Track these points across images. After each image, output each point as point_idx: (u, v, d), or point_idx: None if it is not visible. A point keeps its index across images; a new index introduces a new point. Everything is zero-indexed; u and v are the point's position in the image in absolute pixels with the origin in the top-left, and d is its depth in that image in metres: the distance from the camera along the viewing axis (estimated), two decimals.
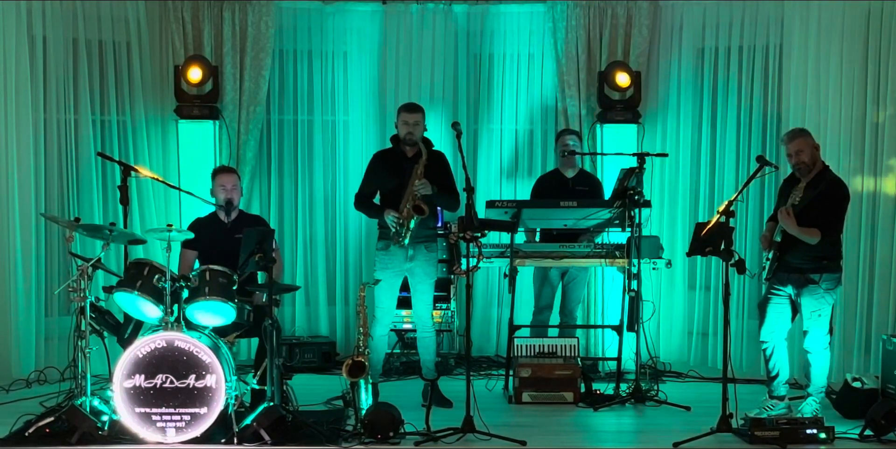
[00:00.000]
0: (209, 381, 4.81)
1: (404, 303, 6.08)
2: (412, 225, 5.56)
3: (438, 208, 6.05)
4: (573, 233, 6.48)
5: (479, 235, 5.16)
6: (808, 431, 4.96)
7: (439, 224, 6.18)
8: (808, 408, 5.38)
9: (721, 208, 5.11)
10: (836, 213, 5.32)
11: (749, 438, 4.93)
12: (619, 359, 6.21)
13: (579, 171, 6.68)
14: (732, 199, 5.14)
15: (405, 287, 5.87)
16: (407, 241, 5.60)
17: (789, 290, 5.42)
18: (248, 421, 4.81)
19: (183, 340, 4.82)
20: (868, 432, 5.03)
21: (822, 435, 4.97)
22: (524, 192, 7.22)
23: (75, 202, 6.77)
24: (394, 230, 5.61)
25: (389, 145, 5.90)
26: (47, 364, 6.48)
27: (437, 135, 7.13)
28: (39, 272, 6.61)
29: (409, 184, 5.57)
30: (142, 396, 4.79)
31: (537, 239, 6.68)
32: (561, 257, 6.18)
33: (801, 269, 5.33)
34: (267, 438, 4.74)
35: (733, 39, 7.04)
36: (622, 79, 6.87)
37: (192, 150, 6.92)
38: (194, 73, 6.76)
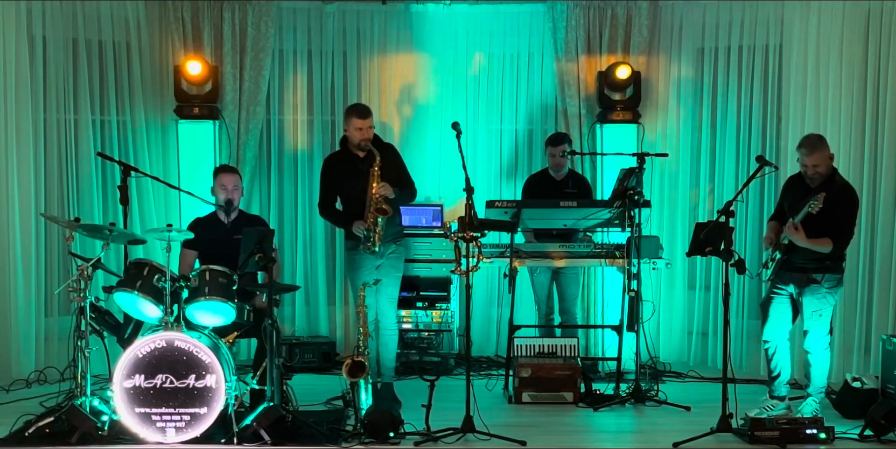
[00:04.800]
0: (209, 381, 4.81)
1: (405, 303, 6.07)
2: (381, 227, 5.53)
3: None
4: (567, 232, 6.49)
5: (478, 234, 5.15)
6: (808, 431, 4.96)
7: (431, 224, 6.16)
8: (808, 408, 5.38)
9: (721, 208, 5.11)
10: (847, 221, 5.30)
11: (749, 438, 4.94)
12: (619, 359, 6.21)
13: (568, 171, 6.67)
14: (732, 199, 5.14)
15: (406, 287, 5.84)
16: (378, 248, 5.56)
17: (791, 289, 5.42)
18: (248, 421, 4.81)
19: (183, 340, 4.82)
20: (868, 432, 5.03)
21: (822, 435, 4.97)
22: None
23: (75, 202, 6.77)
24: (363, 238, 5.55)
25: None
26: (47, 364, 6.48)
27: (438, 134, 7.15)
28: (39, 272, 6.61)
29: (368, 189, 5.52)
30: (142, 396, 4.79)
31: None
32: (561, 257, 6.18)
33: (804, 268, 5.33)
34: (267, 438, 4.75)
35: (733, 39, 7.04)
36: (622, 73, 6.86)
37: (192, 150, 6.92)
38: (193, 68, 6.76)
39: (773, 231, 5.51)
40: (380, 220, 5.50)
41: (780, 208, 5.60)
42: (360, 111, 5.67)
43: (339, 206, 5.82)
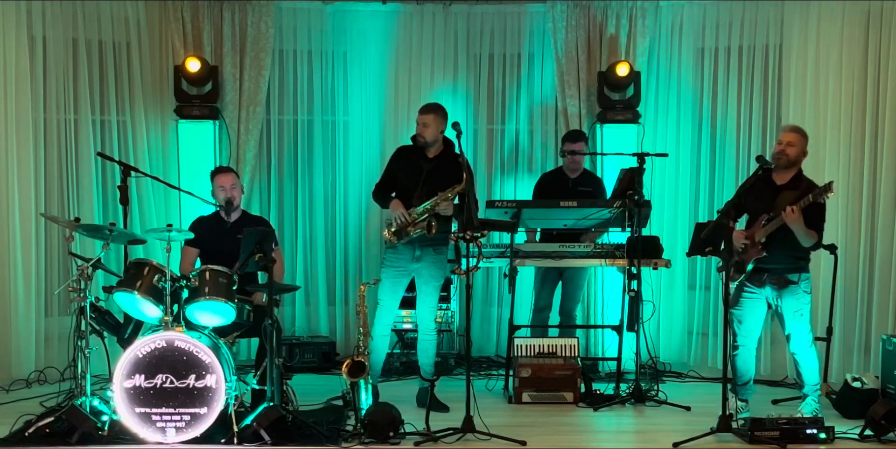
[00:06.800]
0: (209, 381, 4.81)
1: (405, 302, 6.06)
2: (413, 236, 5.55)
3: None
4: (574, 232, 6.48)
5: (479, 234, 5.15)
6: (808, 431, 4.96)
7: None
8: (809, 408, 5.39)
9: (721, 208, 5.10)
10: (822, 217, 5.31)
11: (749, 438, 4.93)
12: (619, 359, 6.20)
13: (582, 171, 6.68)
14: (732, 199, 5.13)
15: (410, 287, 5.84)
16: (401, 244, 5.59)
17: (767, 292, 5.39)
18: (248, 421, 4.81)
19: (183, 340, 4.82)
20: (868, 432, 5.03)
21: (822, 435, 4.97)
22: (524, 192, 7.22)
23: (75, 202, 6.76)
24: (395, 228, 5.59)
25: (401, 144, 5.89)
26: (47, 364, 6.48)
27: None
28: (39, 272, 6.61)
29: (435, 198, 5.49)
30: (142, 396, 4.79)
31: (537, 238, 6.69)
32: (561, 257, 6.18)
33: (781, 270, 5.33)
34: (267, 438, 4.74)
35: (733, 39, 7.05)
36: (622, 72, 6.85)
37: (192, 150, 6.93)
38: (193, 67, 6.76)
39: (743, 234, 5.40)
40: (420, 231, 5.52)
41: (736, 206, 5.34)
42: (423, 106, 5.73)
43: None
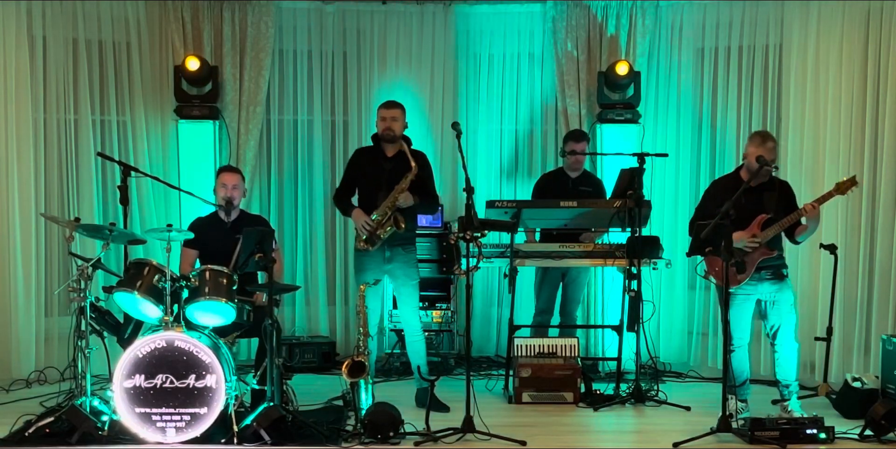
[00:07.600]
0: (209, 381, 4.81)
1: None
2: (384, 237, 5.55)
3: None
4: (574, 232, 6.48)
5: (479, 234, 5.15)
6: (808, 431, 4.96)
7: (433, 224, 6.16)
8: (797, 405, 5.42)
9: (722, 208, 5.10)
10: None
11: (749, 438, 4.93)
12: (619, 359, 6.20)
13: (583, 171, 6.68)
14: (733, 199, 5.13)
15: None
16: (375, 248, 5.58)
17: (764, 288, 5.41)
18: (248, 421, 4.81)
19: (183, 340, 4.82)
20: (868, 432, 5.03)
21: (822, 435, 4.97)
22: (524, 192, 7.23)
23: (75, 202, 6.77)
24: (365, 236, 5.58)
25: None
26: (47, 364, 6.49)
27: (438, 135, 7.14)
28: (39, 272, 6.61)
29: (391, 194, 5.53)
30: (142, 396, 4.79)
31: (537, 239, 6.69)
32: (561, 257, 6.17)
33: (778, 266, 5.40)
34: (267, 438, 4.74)
35: (733, 39, 7.06)
36: (622, 72, 6.84)
37: (192, 151, 6.93)
38: (192, 65, 6.76)
39: (750, 235, 5.38)
40: (389, 229, 5.52)
41: (708, 211, 5.40)
42: (386, 102, 5.75)
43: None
